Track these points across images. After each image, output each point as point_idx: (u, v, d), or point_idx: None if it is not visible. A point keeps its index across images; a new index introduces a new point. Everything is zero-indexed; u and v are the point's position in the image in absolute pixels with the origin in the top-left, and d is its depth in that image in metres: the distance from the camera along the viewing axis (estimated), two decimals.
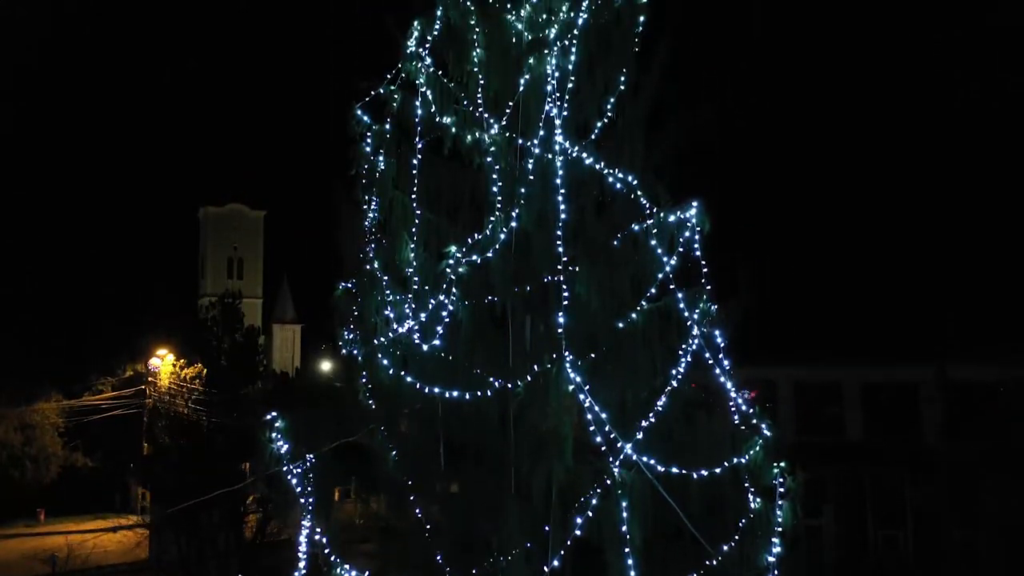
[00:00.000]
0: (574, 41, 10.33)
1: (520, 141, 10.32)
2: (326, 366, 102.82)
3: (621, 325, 10.59)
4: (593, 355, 9.98)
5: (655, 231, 10.21)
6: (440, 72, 11.52)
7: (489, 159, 10.27)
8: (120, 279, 73.30)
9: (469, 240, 10.04)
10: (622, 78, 11.17)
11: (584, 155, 10.03)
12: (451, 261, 9.56)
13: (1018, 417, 28.56)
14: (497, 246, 9.58)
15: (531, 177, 10.02)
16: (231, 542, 44.00)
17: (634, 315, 10.59)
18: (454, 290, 9.47)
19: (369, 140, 11.30)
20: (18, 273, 52.75)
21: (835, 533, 31.45)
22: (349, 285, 11.21)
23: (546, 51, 10.19)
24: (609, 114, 11.39)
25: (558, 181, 9.83)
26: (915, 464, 30.01)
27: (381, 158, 11.47)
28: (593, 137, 11.24)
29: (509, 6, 11.72)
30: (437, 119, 10.71)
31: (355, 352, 11.37)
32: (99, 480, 46.79)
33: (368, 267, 10.64)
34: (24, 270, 54.62)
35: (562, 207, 9.61)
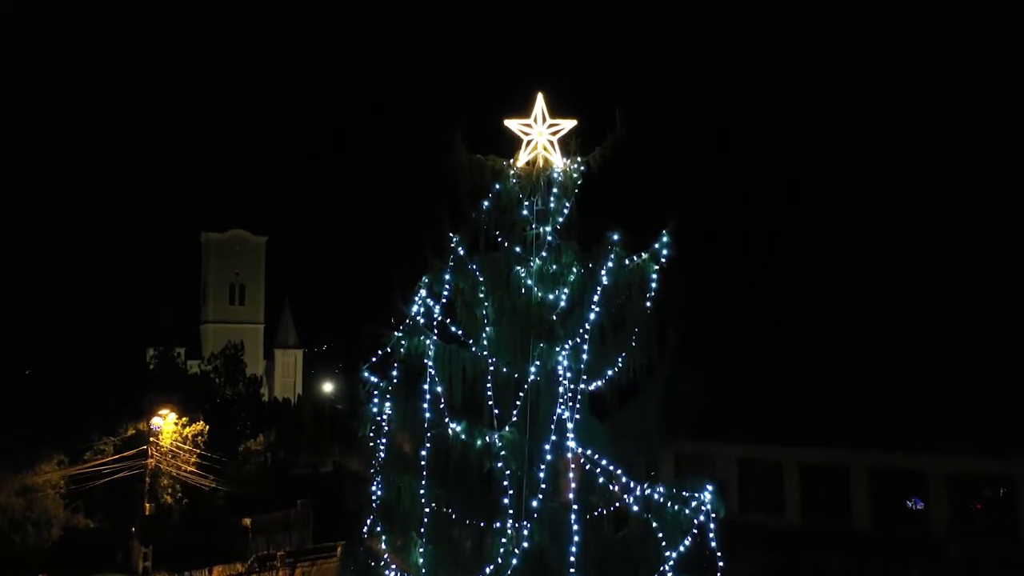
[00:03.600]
0: (586, 337, 10.08)
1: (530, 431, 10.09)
2: (327, 387, 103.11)
3: None
4: None
5: (668, 519, 9.95)
6: (448, 321, 11.27)
7: (500, 464, 10.00)
8: (121, 312, 72.96)
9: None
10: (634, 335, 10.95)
11: (596, 456, 9.75)
12: None
13: None
14: (509, 571, 9.32)
15: (543, 486, 9.75)
16: None
17: None
18: None
19: (376, 398, 11.04)
20: (15, 330, 52.35)
21: None
22: (357, 552, 10.99)
23: (557, 347, 9.93)
24: (619, 365, 11.16)
25: (571, 495, 9.57)
26: (924, 556, 29.77)
27: (388, 406, 11.21)
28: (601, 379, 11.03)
29: (518, 249, 11.46)
30: (446, 418, 10.44)
31: None
32: (101, 540, 46.60)
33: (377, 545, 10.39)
34: (20, 324, 54.20)
35: (575, 527, 9.34)
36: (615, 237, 10.79)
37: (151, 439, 46.46)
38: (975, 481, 29.93)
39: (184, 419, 48.95)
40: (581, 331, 10.36)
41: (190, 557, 47.13)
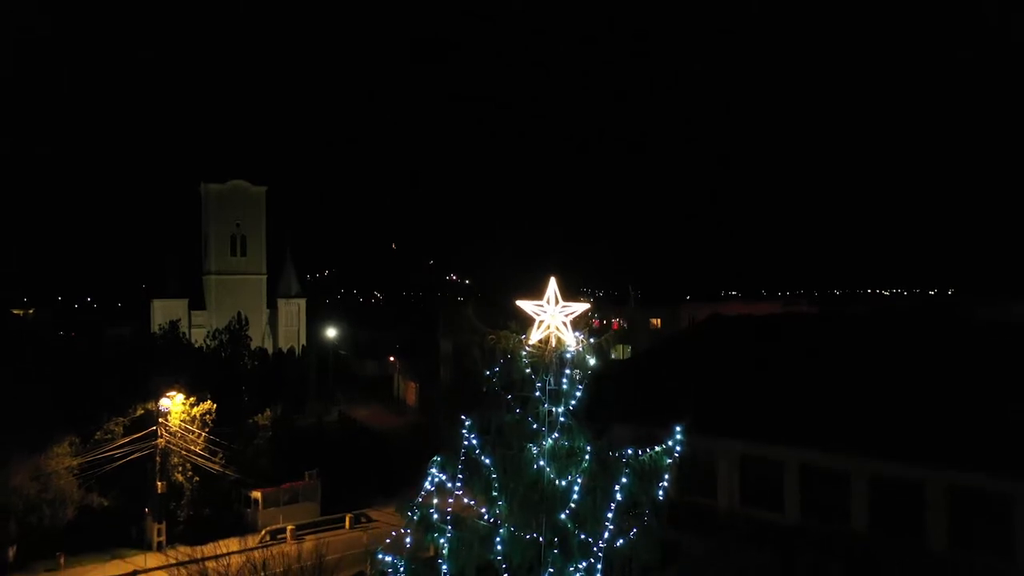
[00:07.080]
0: (600, 556, 10.07)
1: None
2: (331, 333, 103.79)
3: None
4: None
5: None
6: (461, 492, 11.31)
7: None
8: (126, 266, 73.25)
9: None
10: None
11: None
12: None
13: None
14: None
15: None
16: None
17: None
18: None
19: None
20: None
21: None
22: None
23: (571, 565, 9.94)
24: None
25: None
26: (920, 569, 30.18)
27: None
28: None
29: (530, 419, 11.38)
30: None
31: None
32: (115, 517, 47.87)
33: None
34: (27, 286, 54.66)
35: None
36: (629, 451, 10.70)
37: (160, 420, 47.12)
38: (976, 494, 30.11)
39: (192, 399, 49.54)
40: (595, 549, 10.37)
41: (202, 532, 48.49)
